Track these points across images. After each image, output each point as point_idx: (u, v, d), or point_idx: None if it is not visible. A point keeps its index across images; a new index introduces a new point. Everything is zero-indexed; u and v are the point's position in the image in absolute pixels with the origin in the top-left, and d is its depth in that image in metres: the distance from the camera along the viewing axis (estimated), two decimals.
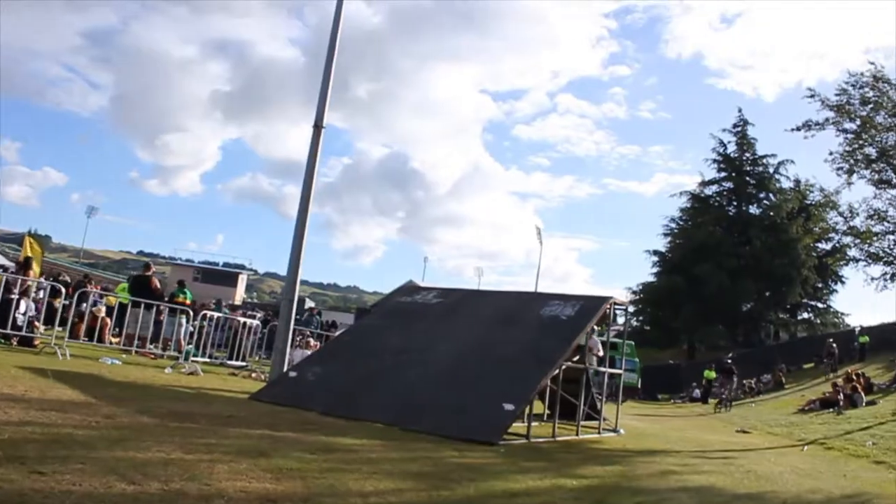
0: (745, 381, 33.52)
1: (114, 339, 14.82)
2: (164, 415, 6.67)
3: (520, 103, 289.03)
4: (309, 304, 66.27)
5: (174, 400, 8.22)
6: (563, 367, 9.69)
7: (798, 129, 21.65)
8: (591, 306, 10.75)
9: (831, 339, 33.56)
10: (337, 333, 17.90)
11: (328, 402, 9.11)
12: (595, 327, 12.07)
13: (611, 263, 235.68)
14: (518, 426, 9.24)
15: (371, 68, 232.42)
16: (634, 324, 53.52)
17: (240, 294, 73.88)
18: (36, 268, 19.03)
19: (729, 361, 28.40)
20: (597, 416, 11.53)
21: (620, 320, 14.50)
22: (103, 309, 14.52)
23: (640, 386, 32.91)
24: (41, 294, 15.16)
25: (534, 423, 9.36)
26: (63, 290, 13.35)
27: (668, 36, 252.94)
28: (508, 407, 8.38)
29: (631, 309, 53.10)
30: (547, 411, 10.67)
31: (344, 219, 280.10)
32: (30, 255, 16.41)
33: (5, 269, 20.45)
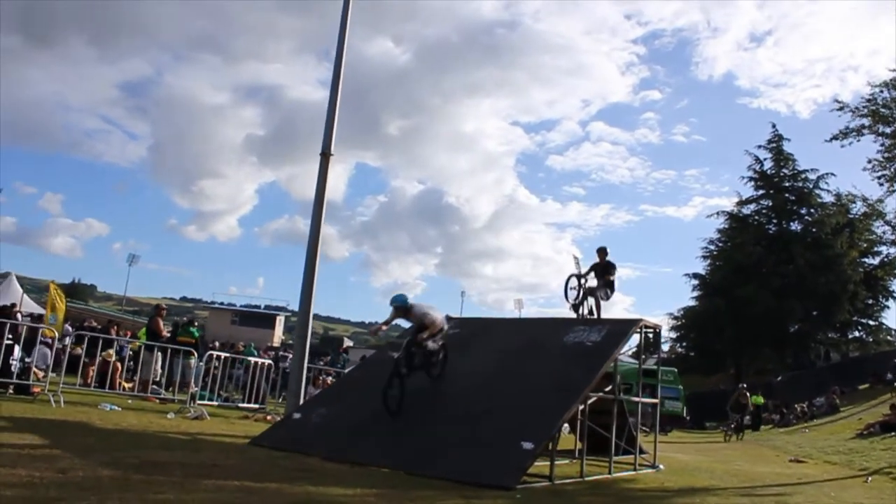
0: (797, 406, 31.86)
1: (127, 385, 14.36)
2: (132, 466, 5.96)
3: (552, 134, 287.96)
4: (347, 343, 65.76)
5: (158, 448, 7.51)
6: (592, 398, 8.80)
7: (835, 138, 20.92)
8: (618, 330, 9.86)
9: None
10: (347, 370, 17.01)
11: (332, 446, 8.35)
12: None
13: (652, 290, 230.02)
14: (542, 465, 8.31)
15: (402, 106, 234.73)
16: (678, 350, 51.87)
17: (278, 335, 73.63)
18: (59, 316, 19.23)
19: None
20: (634, 450, 10.52)
21: (664, 346, 13.49)
22: (113, 353, 14.04)
23: (685, 415, 31.48)
24: (66, 341, 15.01)
25: (564, 461, 8.43)
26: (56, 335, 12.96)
27: (697, 58, 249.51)
28: (527, 445, 7.49)
29: (673, 335, 51.65)
30: (579, 445, 9.71)
31: (382, 257, 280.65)
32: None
33: (32, 316, 20.55)
